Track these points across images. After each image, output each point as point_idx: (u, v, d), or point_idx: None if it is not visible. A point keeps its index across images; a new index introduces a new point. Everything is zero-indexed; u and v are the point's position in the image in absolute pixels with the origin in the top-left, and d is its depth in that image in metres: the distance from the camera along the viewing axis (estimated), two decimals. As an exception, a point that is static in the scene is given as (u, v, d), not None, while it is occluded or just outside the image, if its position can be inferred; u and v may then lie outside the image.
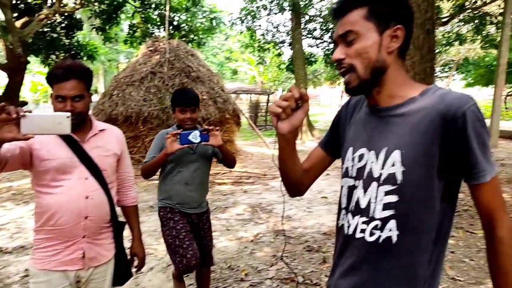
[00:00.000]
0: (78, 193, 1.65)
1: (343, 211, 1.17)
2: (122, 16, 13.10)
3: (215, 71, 10.15)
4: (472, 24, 13.33)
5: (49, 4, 10.51)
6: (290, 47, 15.96)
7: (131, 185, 1.99)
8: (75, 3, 11.56)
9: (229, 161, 2.53)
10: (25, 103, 10.37)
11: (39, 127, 1.26)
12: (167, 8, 10.51)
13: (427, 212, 1.01)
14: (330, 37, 16.49)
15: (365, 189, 1.08)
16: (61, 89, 1.59)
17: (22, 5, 10.43)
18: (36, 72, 29.75)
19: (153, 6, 12.47)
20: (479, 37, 13.95)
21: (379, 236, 1.05)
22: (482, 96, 49.54)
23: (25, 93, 29.87)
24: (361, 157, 1.11)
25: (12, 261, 3.64)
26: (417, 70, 6.53)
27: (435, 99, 1.00)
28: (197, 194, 2.51)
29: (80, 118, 1.64)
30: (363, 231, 1.08)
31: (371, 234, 1.06)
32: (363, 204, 1.08)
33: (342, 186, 1.19)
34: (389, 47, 1.04)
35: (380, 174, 1.04)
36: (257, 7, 15.74)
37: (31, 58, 12.23)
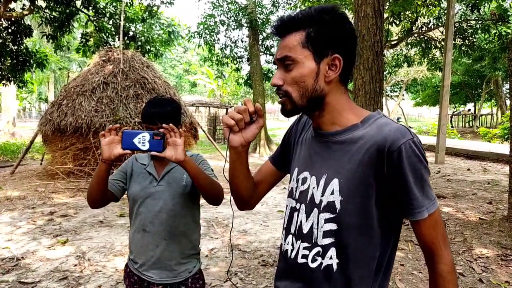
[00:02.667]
0: None
1: (285, 232, 1.16)
2: (75, 24, 12.63)
3: (173, 83, 10.02)
4: (418, 47, 14.19)
5: (-7, 8, 9.93)
6: (248, 62, 16.14)
7: None
8: (23, 9, 11.01)
9: (206, 191, 1.61)
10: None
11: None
12: (122, 18, 10.27)
13: (366, 242, 1.00)
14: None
15: (307, 214, 1.07)
16: None
17: (-37, 8, 9.77)
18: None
19: (107, 15, 12.15)
20: (425, 60, 14.85)
21: (321, 263, 1.03)
22: (431, 115, 52.67)
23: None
24: (304, 180, 1.10)
25: None
26: (367, 89, 6.83)
27: (374, 129, 0.99)
28: (162, 248, 1.71)
29: None
30: (305, 256, 1.06)
31: (313, 260, 1.05)
32: (305, 229, 1.06)
33: (286, 206, 1.18)
34: (327, 76, 1.00)
35: (321, 201, 1.03)
36: (215, 22, 15.82)
37: (-28, 64, 11.43)
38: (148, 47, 12.97)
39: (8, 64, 11.30)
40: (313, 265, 1.04)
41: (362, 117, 1.04)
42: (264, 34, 16.18)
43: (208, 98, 32.55)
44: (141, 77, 8.57)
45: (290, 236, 1.12)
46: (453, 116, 27.67)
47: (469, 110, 31.03)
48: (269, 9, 16.31)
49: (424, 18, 12.49)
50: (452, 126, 24.21)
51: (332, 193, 1.00)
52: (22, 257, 3.88)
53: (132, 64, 8.72)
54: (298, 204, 1.10)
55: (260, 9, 15.94)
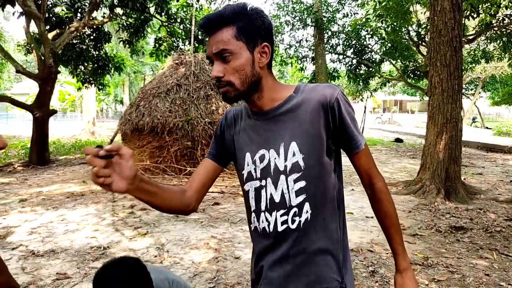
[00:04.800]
0: None
1: (256, 213, 1.23)
2: (149, 29, 13.42)
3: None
4: (499, 41, 13.10)
5: (79, 18, 10.89)
6: (313, 62, 16.01)
7: None
8: (104, 17, 11.93)
9: None
10: (54, 112, 10.66)
11: None
12: (193, 22, 10.73)
13: (328, 185, 1.18)
14: (353, 52, 16.46)
15: (275, 184, 1.18)
16: None
17: (54, 19, 10.84)
18: (64, 82, 30.67)
19: (178, 20, 12.75)
20: (506, 55, 13.69)
21: (300, 221, 1.16)
22: (511, 115, 48.20)
23: (53, 102, 30.84)
24: (262, 157, 1.20)
25: (44, 264, 3.70)
26: (444, 87, 6.43)
27: (309, 92, 1.17)
28: None
29: None
30: (285, 222, 1.17)
31: (293, 221, 1.17)
32: (277, 199, 1.17)
33: (248, 191, 1.24)
34: (260, 62, 1.15)
35: (285, 166, 1.16)
36: (280, 23, 15.91)
37: (60, 68, 12.62)
38: (215, 49, 13.37)
39: (90, 68, 12.32)
40: (294, 226, 1.17)
41: (293, 88, 1.22)
42: (330, 33, 15.95)
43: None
44: (210, 79, 8.88)
45: (263, 213, 1.21)
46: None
47: (558, 109, 28.03)
48: (335, 7, 16.06)
49: (507, 9, 11.52)
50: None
51: (294, 154, 1.15)
52: (108, 247, 4.21)
53: (202, 67, 9.06)
54: (264, 181, 1.20)
55: (325, 7, 15.75)
